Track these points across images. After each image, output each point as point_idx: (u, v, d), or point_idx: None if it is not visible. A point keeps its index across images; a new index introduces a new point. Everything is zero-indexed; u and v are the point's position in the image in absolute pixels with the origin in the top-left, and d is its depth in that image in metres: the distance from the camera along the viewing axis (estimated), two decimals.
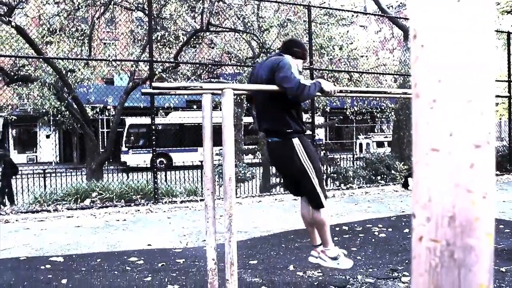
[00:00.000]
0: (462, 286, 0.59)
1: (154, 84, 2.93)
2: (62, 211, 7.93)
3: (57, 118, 16.46)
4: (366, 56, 16.06)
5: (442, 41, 0.57)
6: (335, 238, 5.72)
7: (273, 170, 12.06)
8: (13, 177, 10.91)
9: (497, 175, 12.51)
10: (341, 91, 3.57)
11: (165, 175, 12.68)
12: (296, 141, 3.63)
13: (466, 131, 0.58)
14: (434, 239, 0.60)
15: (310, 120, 10.87)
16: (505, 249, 5.13)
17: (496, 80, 15.82)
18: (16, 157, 28.91)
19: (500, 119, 21.94)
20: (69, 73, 12.15)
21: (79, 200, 8.59)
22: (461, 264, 0.59)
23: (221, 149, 3.23)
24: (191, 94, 3.83)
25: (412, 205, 0.65)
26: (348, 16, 14.50)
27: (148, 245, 5.64)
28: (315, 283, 4.11)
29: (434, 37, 0.58)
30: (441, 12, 0.56)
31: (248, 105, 14.24)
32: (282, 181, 4.14)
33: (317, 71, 11.28)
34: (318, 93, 3.62)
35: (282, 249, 5.35)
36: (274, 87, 3.47)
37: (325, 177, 11.57)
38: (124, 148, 22.55)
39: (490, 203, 0.60)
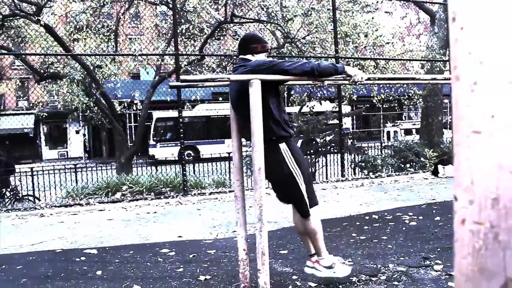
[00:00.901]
0: (508, 268, 0.58)
1: (182, 77, 2.96)
2: (94, 204, 8.10)
3: (86, 114, 16.77)
4: (392, 43, 15.82)
5: (482, 22, 0.57)
6: (365, 227, 5.70)
7: None
8: (9, 176, 10.44)
9: None
10: (368, 79, 3.53)
11: (193, 167, 12.80)
12: (283, 146, 3.48)
13: (508, 113, 0.57)
14: (478, 222, 0.59)
15: (337, 109, 10.80)
16: None
17: None
18: (48, 153, 29.60)
19: None
20: (96, 69, 12.34)
21: (110, 194, 8.75)
22: (506, 246, 0.58)
23: (247, 141, 3.22)
24: (218, 86, 3.86)
25: (453, 188, 0.65)
26: (372, 3, 14.28)
27: (179, 236, 5.72)
28: None
29: (473, 18, 0.57)
30: None
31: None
32: (273, 188, 3.91)
33: (343, 59, 11.17)
34: (343, 80, 3.56)
35: None
36: (299, 77, 3.43)
37: (353, 166, 11.49)
38: (152, 142, 22.83)
39: None
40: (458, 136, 0.61)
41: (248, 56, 3.55)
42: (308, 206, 3.55)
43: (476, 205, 0.59)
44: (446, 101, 16.61)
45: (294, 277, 4.03)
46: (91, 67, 11.69)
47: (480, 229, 0.59)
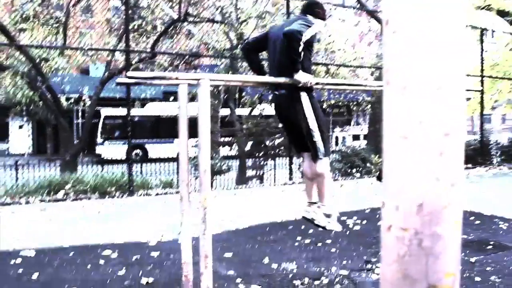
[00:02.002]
0: (430, 274, 0.58)
1: (129, 74, 2.88)
2: (34, 203, 7.78)
3: (30, 108, 16.15)
4: (344, 49, 16.13)
5: (414, 28, 0.56)
6: (310, 231, 5.76)
7: (249, 162, 12.05)
8: None
9: (468, 168, 12.76)
10: (317, 83, 3.57)
11: (141, 167, 12.55)
12: (303, 94, 3.69)
13: (436, 119, 0.57)
14: (403, 228, 0.59)
15: None
16: (475, 240, 5.23)
17: (468, 75, 16.09)
18: None
19: (472, 113, 22.35)
20: (43, 61, 11.88)
21: (52, 193, 8.44)
22: (429, 253, 0.58)
23: (197, 141, 3.19)
24: (167, 84, 3.80)
25: (382, 194, 0.65)
26: (326, 9, 14.51)
27: (122, 238, 5.58)
28: (290, 275, 4.13)
29: (405, 23, 0.57)
30: None
31: (226, 96, 14.11)
32: (290, 142, 4.24)
33: None
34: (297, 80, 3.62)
35: (258, 242, 5.36)
36: (259, 78, 3.51)
37: (301, 169, 11.61)
38: (99, 140, 22.26)
39: (458, 192, 0.59)
40: (387, 141, 0.60)
41: (309, 17, 3.83)
42: (322, 151, 3.73)
43: (402, 211, 0.59)
44: None
45: (238, 280, 4.02)
46: (38, 60, 11.25)
47: (405, 235, 0.59)
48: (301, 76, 3.55)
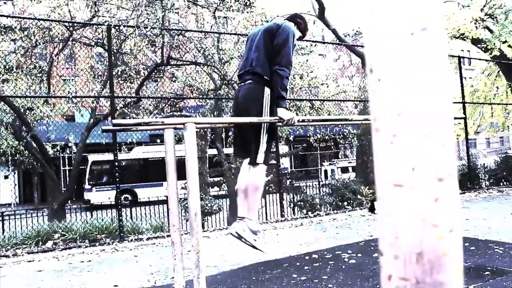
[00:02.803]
0: None
1: (114, 121, 2.88)
2: (22, 255, 7.60)
3: (16, 158, 15.99)
4: (326, 84, 16.36)
5: (399, 74, 0.57)
6: (305, 267, 5.69)
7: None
8: None
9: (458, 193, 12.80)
10: (303, 121, 3.60)
11: (131, 212, 12.41)
12: (267, 90, 3.62)
13: (428, 165, 0.57)
14: (403, 277, 0.58)
15: (275, 150, 10.92)
16: (472, 266, 5.20)
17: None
18: None
19: (457, 139, 22.63)
20: (27, 111, 11.86)
21: (40, 243, 8.26)
22: None
23: (186, 183, 3.17)
24: (152, 130, 3.80)
25: (379, 243, 0.64)
26: (307, 46, 14.79)
27: (115, 286, 5.46)
28: None
29: (390, 70, 0.58)
30: (395, 46, 0.56)
31: (212, 136, 14.14)
32: (233, 142, 4.02)
33: None
34: (278, 121, 3.62)
35: (253, 282, 5.27)
36: (244, 120, 3.50)
37: (292, 205, 11.56)
38: (87, 186, 22.05)
39: (457, 237, 0.59)
40: (380, 189, 0.60)
41: (289, 22, 3.89)
42: (262, 156, 3.60)
43: (401, 260, 0.58)
44: None
45: None
46: (22, 109, 11.22)
47: (406, 285, 0.58)
48: (284, 113, 3.56)
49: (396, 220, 0.59)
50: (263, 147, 3.62)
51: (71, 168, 15.19)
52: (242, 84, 3.80)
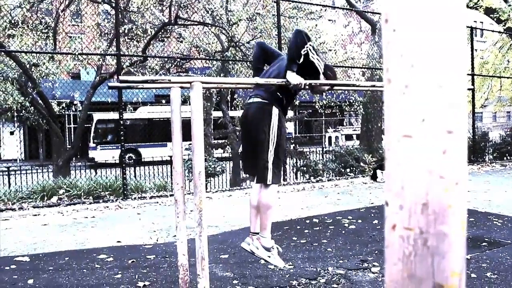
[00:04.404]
0: (436, 274, 0.58)
1: (121, 78, 2.87)
2: (28, 209, 7.73)
3: (22, 114, 16.04)
4: (335, 50, 16.18)
5: (414, 25, 0.57)
6: (306, 231, 5.77)
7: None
8: None
9: None
10: (310, 84, 3.57)
11: (134, 171, 12.52)
12: (275, 110, 3.60)
13: (439, 116, 0.57)
14: (408, 227, 0.59)
15: None
16: (470, 237, 5.26)
17: None
18: None
19: None
20: (33, 67, 11.82)
21: (45, 198, 8.39)
22: (435, 252, 0.58)
23: (190, 144, 3.18)
24: (159, 88, 3.79)
25: (385, 193, 0.65)
26: (316, 10, 14.55)
27: (118, 242, 5.56)
28: (287, 276, 4.13)
29: (406, 21, 0.57)
30: None
31: (218, 98, 14.08)
32: (241, 158, 4.01)
33: None
34: (286, 84, 3.59)
35: None
36: (251, 80, 3.48)
37: (295, 170, 11.62)
38: (92, 144, 22.17)
39: (462, 190, 0.60)
40: (389, 140, 0.60)
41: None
42: (271, 176, 3.56)
43: (406, 210, 0.59)
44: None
45: (235, 281, 4.01)
46: (27, 65, 11.18)
47: (410, 234, 0.59)
48: (292, 77, 3.50)
49: (403, 171, 0.60)
50: (271, 167, 3.57)
51: (76, 126, 15.25)
52: (253, 100, 3.73)
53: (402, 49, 0.58)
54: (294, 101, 4.00)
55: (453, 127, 0.57)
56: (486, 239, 5.15)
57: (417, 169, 0.58)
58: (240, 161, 4.09)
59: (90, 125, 21.37)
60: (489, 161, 13.88)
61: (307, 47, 3.53)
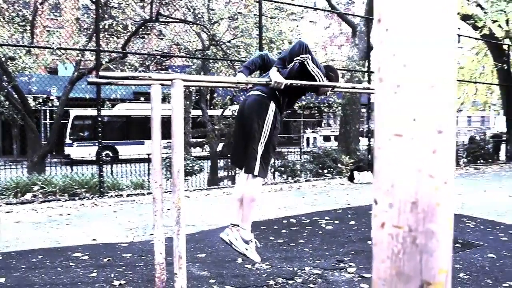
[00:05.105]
0: (424, 271, 0.59)
1: (101, 73, 2.83)
2: (0, 206, 7.57)
3: None
4: (315, 51, 16.26)
5: (407, 25, 0.57)
6: (283, 231, 5.78)
7: (220, 163, 12.02)
8: None
9: None
10: (291, 84, 3.58)
11: (111, 168, 12.38)
12: (272, 105, 3.65)
13: (429, 116, 0.58)
14: (397, 225, 0.60)
15: None
16: None
17: None
18: None
19: None
20: (9, 60, 11.57)
21: (19, 195, 8.23)
22: (423, 250, 0.59)
23: (168, 142, 3.16)
24: (139, 85, 3.75)
25: (373, 192, 0.65)
26: (298, 11, 14.60)
27: (93, 240, 5.49)
28: (263, 275, 4.14)
29: (399, 21, 0.57)
30: None
31: (197, 97, 14.02)
32: (231, 150, 4.04)
33: None
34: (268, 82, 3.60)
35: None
36: (232, 79, 3.48)
37: (273, 170, 11.64)
38: (68, 141, 21.84)
39: (450, 189, 0.61)
40: (379, 139, 0.61)
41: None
42: (258, 167, 3.60)
43: (396, 208, 0.60)
44: (363, 110, 17.33)
45: (212, 280, 4.00)
46: (3, 58, 10.95)
47: (398, 232, 0.60)
48: (274, 74, 3.53)
49: (393, 169, 0.60)
50: (260, 159, 3.61)
51: (52, 121, 15.00)
52: (252, 93, 3.78)
53: (395, 49, 0.59)
54: (293, 104, 4.05)
55: (443, 127, 0.58)
56: (460, 241, 5.24)
57: (407, 168, 0.59)
58: (231, 153, 4.09)
59: (66, 121, 21.03)
60: (463, 164, 14.13)
61: (302, 58, 3.60)
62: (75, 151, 20.58)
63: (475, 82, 18.57)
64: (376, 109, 0.62)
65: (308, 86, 3.75)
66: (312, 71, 3.68)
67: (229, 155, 11.69)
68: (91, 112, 19.50)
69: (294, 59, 3.57)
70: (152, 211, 3.73)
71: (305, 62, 3.63)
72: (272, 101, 3.67)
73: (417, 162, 0.59)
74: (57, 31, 15.01)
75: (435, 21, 0.56)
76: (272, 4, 12.64)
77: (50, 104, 16.47)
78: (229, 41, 12.23)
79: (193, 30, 12.33)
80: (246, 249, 3.72)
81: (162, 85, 3.44)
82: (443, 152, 0.59)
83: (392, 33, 0.58)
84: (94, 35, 9.12)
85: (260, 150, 3.62)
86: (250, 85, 3.84)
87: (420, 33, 0.57)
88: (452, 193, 0.61)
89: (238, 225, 3.78)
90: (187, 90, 12.56)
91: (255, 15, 11.96)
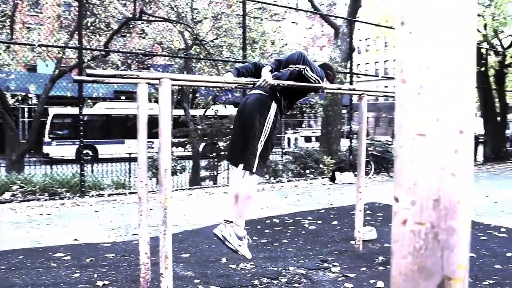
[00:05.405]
0: (445, 267, 0.61)
1: (88, 71, 2.80)
2: None
3: None
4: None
5: (431, 28, 0.59)
6: (266, 231, 5.80)
7: (202, 163, 11.98)
8: None
9: None
10: (277, 84, 3.61)
11: (92, 168, 12.25)
12: (274, 105, 3.72)
13: (452, 116, 0.60)
14: (419, 222, 0.61)
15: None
16: None
17: None
18: None
19: None
20: None
21: None
22: (444, 246, 0.61)
23: (149, 141, 3.16)
24: (124, 83, 3.73)
25: (394, 189, 0.67)
26: (281, 12, 14.64)
27: (75, 240, 5.43)
28: (248, 275, 4.14)
29: (423, 24, 0.59)
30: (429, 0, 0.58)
31: (179, 96, 13.94)
32: (228, 147, 4.12)
33: None
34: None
35: (214, 241, 5.29)
36: (220, 78, 3.51)
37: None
38: (47, 139, 21.51)
39: (469, 187, 0.63)
40: (402, 138, 0.62)
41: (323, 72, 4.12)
42: (256, 165, 3.66)
43: (418, 206, 0.62)
44: (344, 111, 17.46)
45: (196, 281, 3.99)
46: None
47: (421, 229, 0.62)
48: (265, 73, 3.59)
49: (416, 168, 0.62)
50: (258, 157, 3.68)
51: (31, 120, 14.77)
52: (254, 92, 3.84)
53: (418, 51, 0.60)
54: (293, 106, 4.14)
55: (464, 127, 0.60)
56: None
57: (430, 166, 0.61)
58: (229, 150, 4.14)
59: (45, 120, 20.71)
60: None
61: (299, 68, 3.72)
62: (54, 150, 20.27)
63: None
64: (398, 110, 0.64)
65: (295, 87, 3.78)
66: (311, 78, 3.79)
67: (211, 155, 11.68)
68: (71, 110, 19.23)
69: (290, 66, 3.65)
70: (134, 211, 3.72)
71: (303, 72, 3.74)
72: (273, 101, 3.73)
73: (440, 161, 0.61)
74: (38, 28, 14.79)
75: (457, 23, 0.58)
76: (255, 4, 12.66)
77: (29, 102, 16.22)
78: (212, 41, 12.21)
79: (177, 29, 12.26)
80: (239, 245, 3.77)
81: (149, 84, 3.43)
82: (464, 152, 0.61)
83: (416, 35, 0.60)
84: (76, 32, 9.01)
85: (260, 147, 3.68)
86: (235, 86, 3.86)
87: (442, 35, 0.58)
88: (471, 191, 0.64)
89: (232, 222, 3.80)
90: None
91: (238, 15, 11.96)
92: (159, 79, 3.05)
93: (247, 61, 10.54)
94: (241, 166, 3.79)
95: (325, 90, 4.11)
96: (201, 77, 3.31)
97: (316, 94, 4.40)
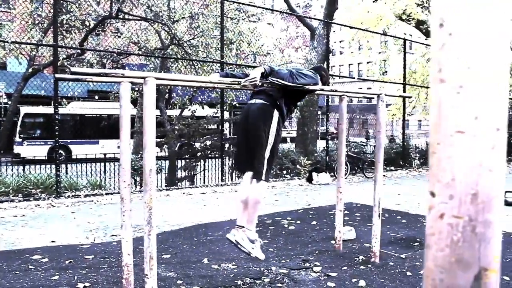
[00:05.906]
0: (482, 258, 0.64)
1: (73, 69, 2.76)
2: None
3: None
4: (272, 53, 16.41)
5: (471, 29, 0.62)
6: None
7: (179, 164, 11.92)
8: None
9: (392, 170, 13.43)
10: (263, 84, 3.63)
11: (66, 168, 12.04)
12: (276, 114, 3.79)
13: (490, 114, 0.63)
14: (457, 216, 0.64)
15: (219, 115, 10.90)
16: (404, 237, 5.53)
17: (391, 82, 16.94)
18: None
19: (392, 118, 23.56)
20: None
21: None
22: (481, 238, 0.64)
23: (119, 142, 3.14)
24: (105, 82, 3.69)
25: (431, 185, 0.69)
26: (257, 13, 14.68)
27: (52, 241, 5.34)
28: (231, 276, 4.15)
29: (463, 25, 0.62)
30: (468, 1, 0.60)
31: (156, 96, 13.83)
32: (234, 153, 4.25)
33: (227, 65, 11.30)
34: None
35: (194, 242, 5.32)
36: (206, 79, 3.51)
37: (231, 171, 11.66)
38: (17, 139, 21.05)
39: (503, 182, 0.66)
40: (439, 135, 0.65)
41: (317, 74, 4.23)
42: (265, 172, 3.76)
43: (457, 200, 0.64)
44: (319, 112, 17.61)
45: (179, 281, 3.97)
46: None
47: (459, 222, 0.64)
48: (256, 72, 3.62)
49: (454, 164, 0.65)
50: (265, 164, 3.77)
51: (2, 119, 14.44)
52: (255, 101, 3.90)
53: (459, 52, 0.63)
54: (292, 111, 4.22)
55: (500, 125, 0.63)
56: (418, 240, 5.43)
57: (469, 162, 0.64)
58: (235, 158, 4.26)
59: (16, 119, 20.27)
60: (416, 167, 14.61)
61: (285, 84, 3.78)
62: (26, 150, 19.84)
63: (427, 87, 19.25)
64: (434, 108, 0.66)
65: (290, 88, 3.82)
66: (303, 89, 3.95)
67: (187, 156, 11.62)
68: (43, 109, 18.88)
69: (277, 79, 3.69)
70: (111, 211, 3.68)
71: (286, 85, 3.82)
72: (275, 109, 3.81)
73: (479, 157, 0.64)
74: (8, 24, 14.46)
75: (496, 24, 0.61)
76: (231, 4, 12.67)
77: None
78: (189, 41, 12.16)
79: (154, 28, 12.17)
80: (253, 248, 3.85)
81: (132, 83, 3.40)
82: (500, 148, 0.64)
83: (456, 37, 0.63)
84: (51, 29, 8.85)
85: (267, 156, 3.76)
86: (220, 86, 3.87)
87: (483, 36, 0.61)
88: (503, 186, 0.67)
89: (243, 226, 3.88)
90: (141, 89, 12.38)
91: (215, 15, 11.95)
92: (144, 78, 3.03)
93: (225, 62, 10.54)
94: (248, 173, 3.89)
95: (310, 91, 4.15)
96: (186, 76, 3.30)
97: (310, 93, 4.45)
